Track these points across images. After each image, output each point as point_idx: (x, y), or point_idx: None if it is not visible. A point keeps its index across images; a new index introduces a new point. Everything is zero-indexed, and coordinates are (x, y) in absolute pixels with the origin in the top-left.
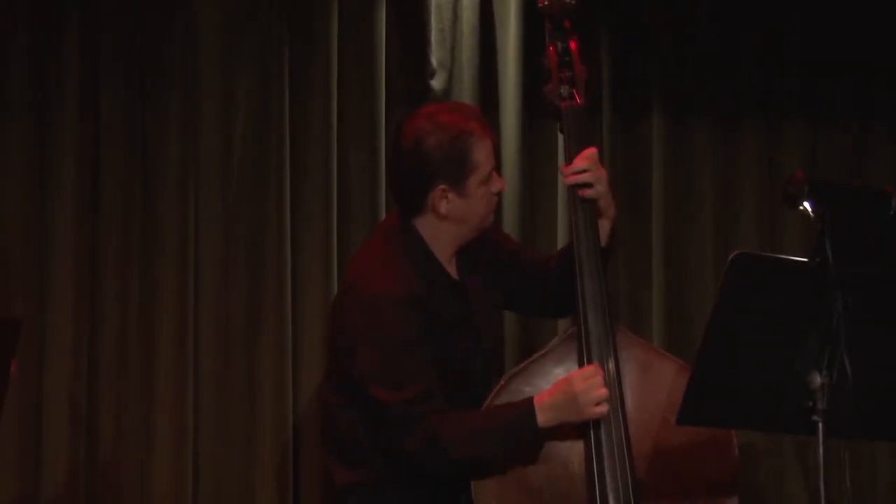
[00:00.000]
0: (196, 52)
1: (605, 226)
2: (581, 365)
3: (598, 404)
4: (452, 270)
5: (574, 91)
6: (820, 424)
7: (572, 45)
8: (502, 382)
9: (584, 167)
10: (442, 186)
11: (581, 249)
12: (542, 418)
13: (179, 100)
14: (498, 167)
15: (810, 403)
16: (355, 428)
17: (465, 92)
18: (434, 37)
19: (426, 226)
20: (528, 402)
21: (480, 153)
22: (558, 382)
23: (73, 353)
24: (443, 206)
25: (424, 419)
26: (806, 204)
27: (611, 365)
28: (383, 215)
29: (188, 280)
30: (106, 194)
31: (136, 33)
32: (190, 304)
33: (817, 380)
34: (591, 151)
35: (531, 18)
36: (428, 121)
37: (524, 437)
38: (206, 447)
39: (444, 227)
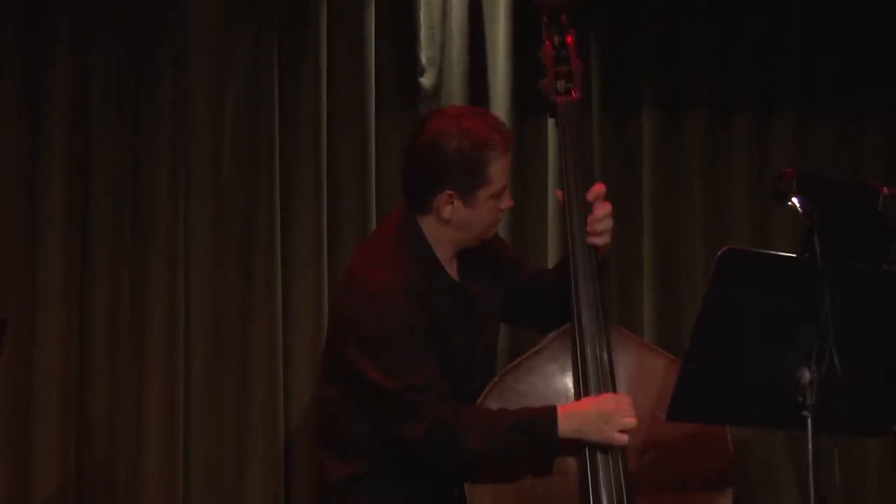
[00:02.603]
0: (186, 50)
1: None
2: (575, 362)
3: (621, 431)
4: (453, 271)
5: (570, 86)
6: (809, 420)
7: (569, 39)
8: (496, 379)
9: (606, 227)
10: (449, 192)
11: (576, 248)
12: (564, 426)
13: (169, 98)
14: None
15: (799, 399)
16: (353, 421)
17: (455, 89)
18: (423, 34)
19: (428, 225)
20: (552, 410)
21: (497, 168)
22: (588, 398)
23: (63, 350)
24: (446, 211)
25: (431, 407)
26: (795, 200)
27: (605, 360)
28: (374, 212)
29: (178, 277)
30: (96, 194)
31: (127, 30)
32: (180, 302)
33: (806, 375)
34: (607, 208)
35: (520, 15)
36: (453, 123)
37: (541, 443)
38: (197, 442)
39: (444, 231)
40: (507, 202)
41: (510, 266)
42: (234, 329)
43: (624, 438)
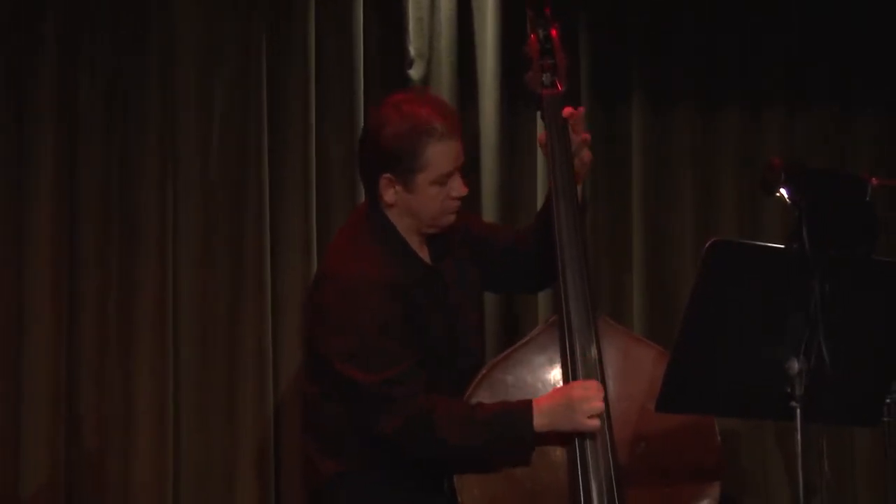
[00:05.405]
0: (174, 41)
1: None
2: (563, 354)
3: (591, 417)
4: (424, 255)
5: (555, 79)
6: (798, 410)
7: (553, 32)
8: (484, 372)
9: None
10: (387, 176)
11: (563, 240)
12: (539, 421)
13: (158, 94)
14: (476, 160)
15: (788, 389)
16: (338, 417)
17: (444, 81)
18: (412, 26)
19: (390, 212)
20: (528, 403)
21: (435, 153)
22: (558, 389)
23: (51, 344)
24: (388, 195)
25: (407, 401)
26: (783, 190)
27: (593, 352)
28: None
29: (167, 270)
30: (84, 187)
31: (115, 26)
32: (169, 294)
33: (795, 365)
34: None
35: (509, 7)
36: (394, 108)
37: (518, 435)
38: (186, 435)
39: (395, 215)
40: (458, 190)
41: (484, 238)
42: (223, 325)
43: (595, 424)
